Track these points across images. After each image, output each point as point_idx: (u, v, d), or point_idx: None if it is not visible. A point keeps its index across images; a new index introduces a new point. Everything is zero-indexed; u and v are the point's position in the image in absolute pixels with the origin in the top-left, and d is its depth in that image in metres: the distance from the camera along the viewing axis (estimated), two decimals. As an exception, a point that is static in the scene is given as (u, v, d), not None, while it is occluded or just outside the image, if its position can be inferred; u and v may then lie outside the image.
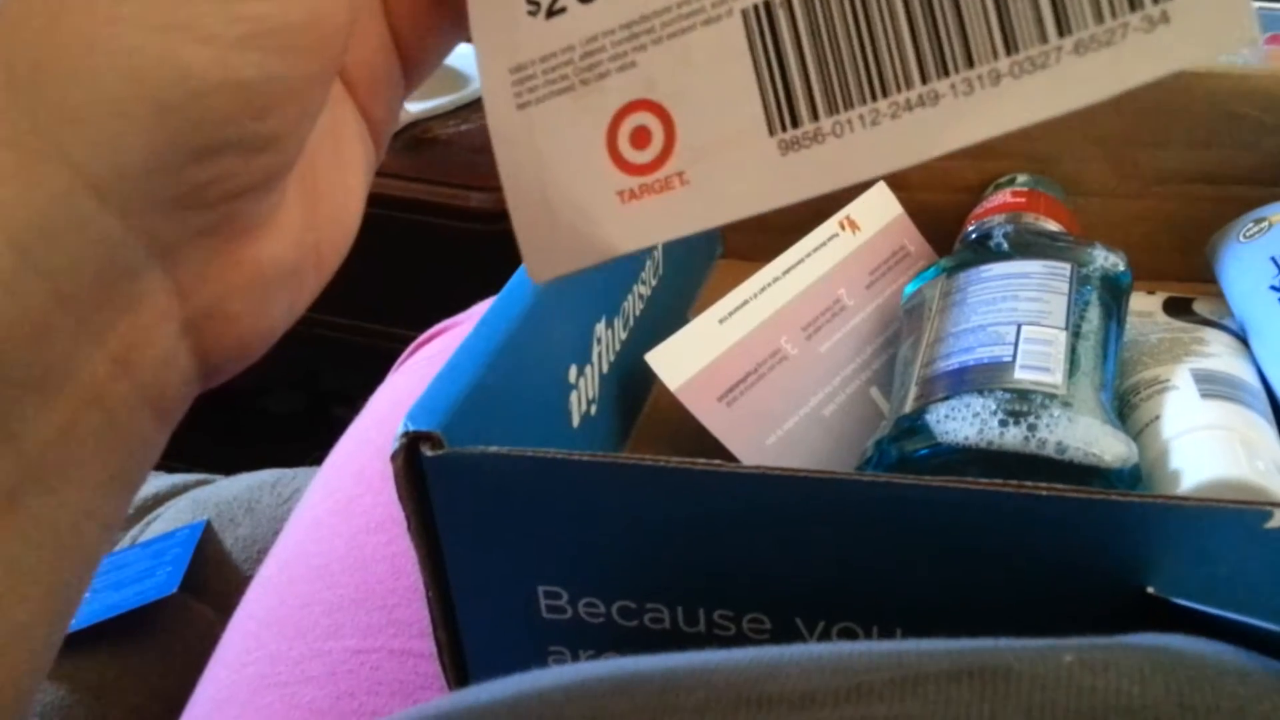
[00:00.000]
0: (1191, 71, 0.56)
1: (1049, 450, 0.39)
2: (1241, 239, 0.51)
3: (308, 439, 0.74)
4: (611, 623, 0.35)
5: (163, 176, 0.20)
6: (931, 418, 0.41)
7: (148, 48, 0.20)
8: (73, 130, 0.20)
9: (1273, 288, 0.47)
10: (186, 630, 0.58)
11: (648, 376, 0.47)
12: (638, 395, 0.51)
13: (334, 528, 0.50)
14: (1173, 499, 0.33)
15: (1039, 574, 0.31)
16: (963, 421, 0.40)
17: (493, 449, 0.32)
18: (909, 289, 0.52)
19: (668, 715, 0.22)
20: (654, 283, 0.53)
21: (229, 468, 0.76)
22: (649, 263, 0.52)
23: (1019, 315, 0.45)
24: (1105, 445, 0.39)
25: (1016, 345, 0.43)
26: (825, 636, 0.33)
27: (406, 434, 0.33)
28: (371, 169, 0.29)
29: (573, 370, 0.43)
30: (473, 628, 0.36)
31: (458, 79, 1.18)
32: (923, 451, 0.41)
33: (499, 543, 0.34)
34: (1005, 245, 0.51)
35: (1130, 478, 0.39)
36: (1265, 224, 0.50)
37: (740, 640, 0.34)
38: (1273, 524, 0.28)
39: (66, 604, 0.22)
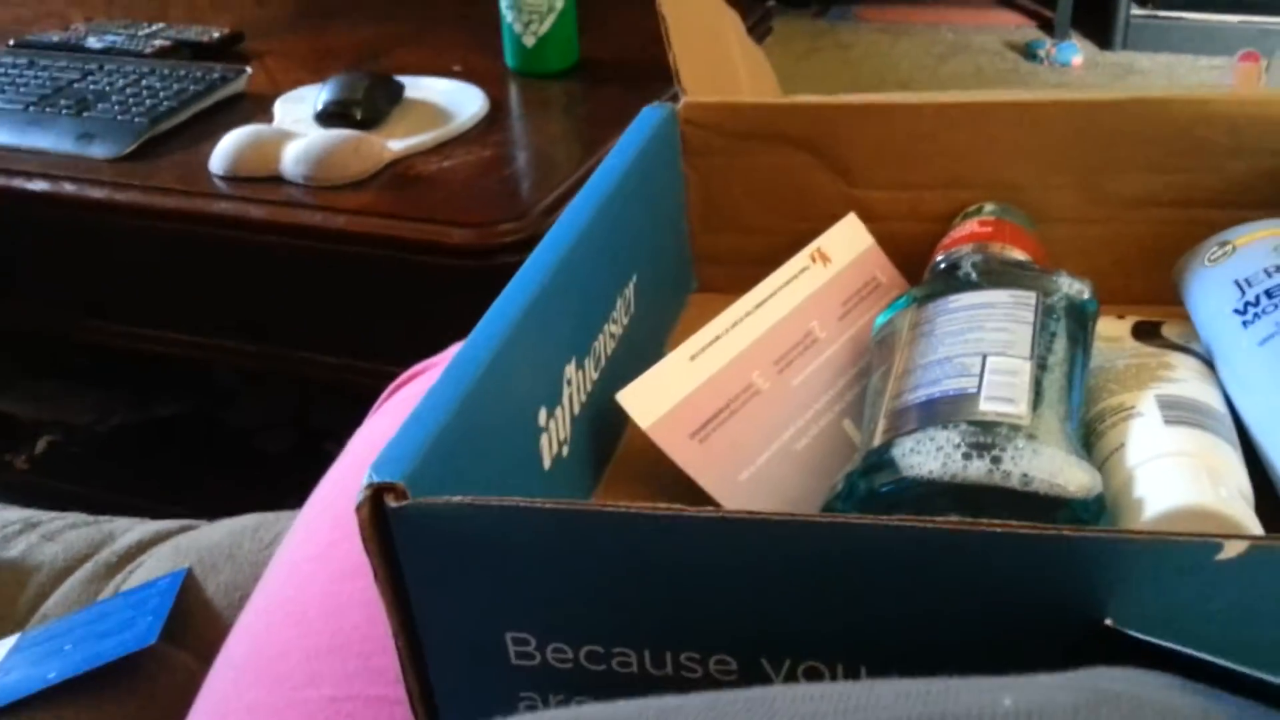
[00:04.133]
0: (1154, 97, 0.56)
1: (1013, 482, 0.39)
2: (1207, 263, 0.51)
3: (299, 476, 0.74)
4: (580, 668, 0.35)
5: None
6: (897, 451, 0.42)
7: None
8: None
9: (1236, 311, 0.47)
10: (167, 680, 0.58)
11: (621, 416, 0.48)
12: (612, 435, 0.52)
13: (311, 573, 0.50)
14: (1126, 533, 0.33)
15: (999, 609, 0.31)
16: (927, 455, 0.41)
17: (456, 499, 0.33)
18: (880, 320, 0.53)
19: None
20: (626, 321, 0.53)
21: (221, 507, 0.77)
22: (620, 301, 0.53)
23: (984, 346, 0.45)
24: (1069, 476, 0.39)
25: (982, 376, 0.44)
26: (791, 676, 0.34)
27: (371, 485, 0.33)
28: None
29: (542, 413, 0.44)
30: (442, 675, 0.36)
31: (440, 115, 1.19)
32: (889, 486, 0.41)
33: (466, 590, 0.34)
34: (973, 275, 0.52)
35: (1095, 507, 0.39)
36: (1229, 247, 0.50)
37: (707, 682, 0.34)
38: (1224, 556, 0.29)
39: None
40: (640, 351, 0.54)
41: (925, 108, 0.59)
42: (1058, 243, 0.58)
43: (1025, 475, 0.39)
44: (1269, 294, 0.46)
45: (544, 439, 0.44)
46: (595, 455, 0.50)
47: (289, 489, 0.64)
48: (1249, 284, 0.48)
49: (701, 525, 0.32)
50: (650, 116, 0.60)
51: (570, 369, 0.47)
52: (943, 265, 0.55)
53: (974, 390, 0.43)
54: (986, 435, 0.41)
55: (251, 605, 0.52)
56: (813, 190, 0.61)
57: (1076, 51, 3.08)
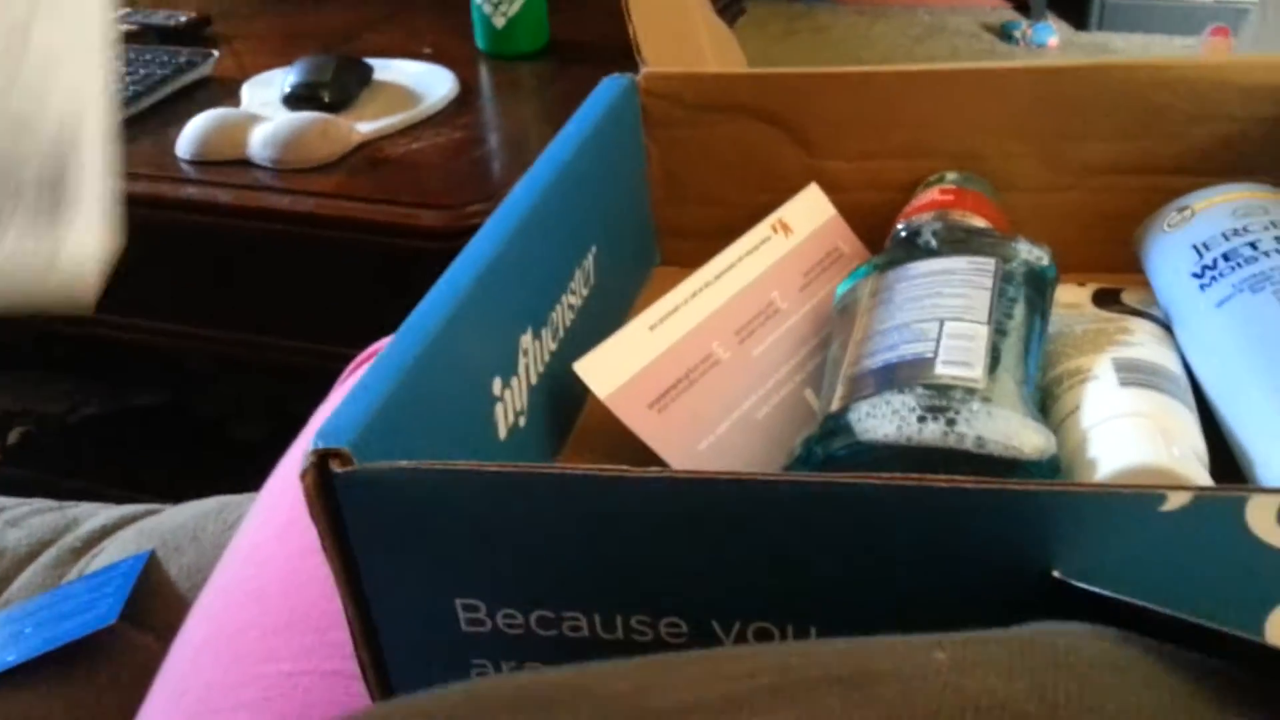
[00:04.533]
0: (1115, 63, 0.56)
1: (968, 444, 0.39)
2: (1166, 228, 0.51)
3: (273, 464, 0.73)
4: (531, 633, 0.35)
5: None
6: (853, 416, 0.41)
7: None
8: None
9: (1194, 275, 0.47)
10: (129, 661, 0.57)
11: (581, 388, 0.47)
12: (571, 407, 0.51)
13: (270, 552, 0.50)
14: (1071, 486, 0.33)
15: (946, 565, 0.31)
16: (882, 419, 0.40)
17: (401, 464, 0.32)
18: (841, 289, 0.52)
19: None
20: (585, 292, 0.53)
21: (194, 496, 0.76)
22: (578, 272, 0.52)
23: (942, 311, 0.45)
24: (1024, 438, 0.39)
25: (939, 341, 0.43)
26: (741, 638, 0.33)
27: (315, 451, 0.33)
28: None
29: (497, 383, 0.43)
30: (394, 644, 0.36)
31: (409, 97, 1.18)
32: (845, 450, 0.41)
33: (414, 558, 0.34)
34: (933, 243, 0.52)
35: (1049, 468, 0.39)
36: (1189, 212, 0.50)
37: (658, 644, 0.34)
38: (1168, 506, 0.29)
39: None
40: (600, 323, 0.54)
41: (887, 76, 0.59)
42: (1020, 211, 0.58)
43: (980, 438, 0.39)
44: (1226, 257, 0.46)
45: (499, 409, 0.43)
46: (553, 427, 0.50)
47: (262, 477, 0.64)
48: (1207, 248, 0.47)
49: (648, 486, 0.32)
50: (610, 87, 0.59)
51: (526, 339, 0.46)
52: (903, 233, 0.55)
53: (930, 355, 0.43)
54: (942, 398, 0.40)
55: (211, 585, 0.52)
56: (775, 161, 0.61)
57: (1052, 32, 3.08)
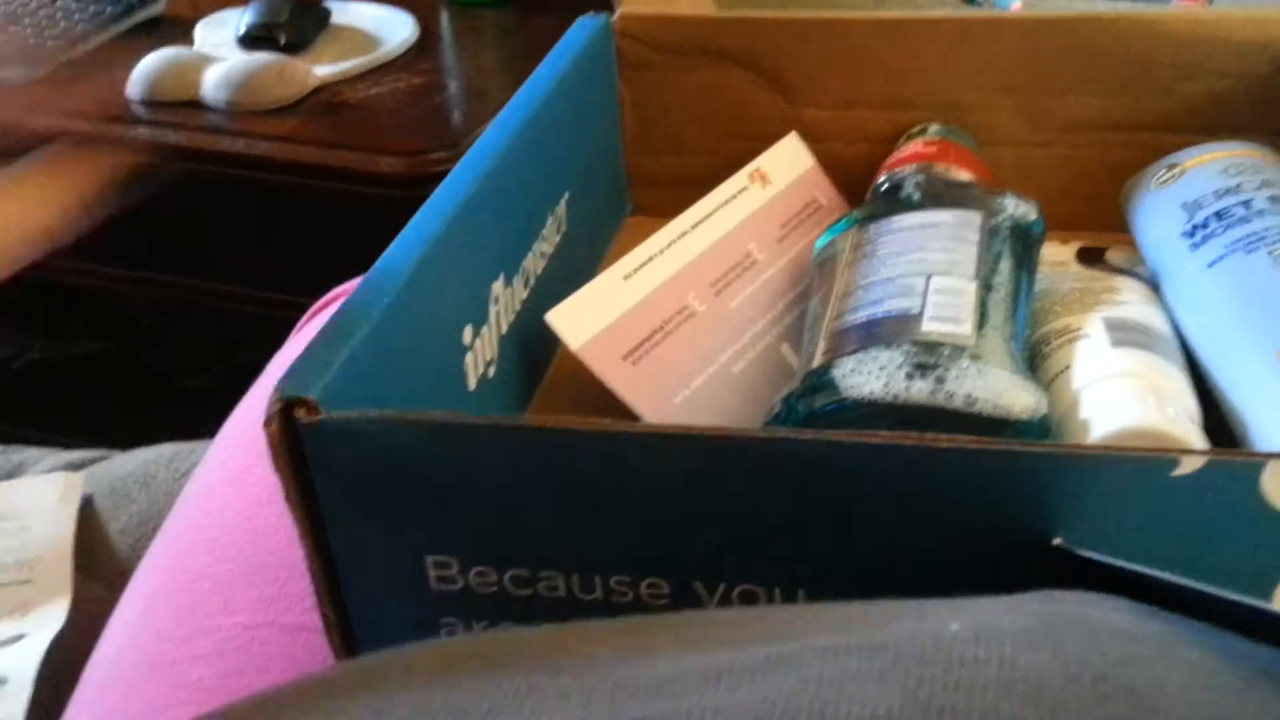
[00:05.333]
0: (1102, 15, 0.55)
1: (957, 403, 0.38)
2: (1154, 186, 0.50)
3: (223, 415, 0.71)
4: (504, 592, 0.33)
5: None
6: (838, 372, 0.40)
7: None
8: None
9: (1184, 234, 0.46)
10: (77, 611, 0.55)
11: (552, 338, 0.46)
12: (542, 356, 0.50)
13: (226, 499, 0.48)
14: (1078, 449, 0.32)
15: (943, 528, 0.30)
16: (869, 375, 0.39)
17: (372, 413, 0.31)
18: (820, 242, 0.51)
19: (532, 696, 0.21)
20: (558, 240, 0.51)
21: (141, 445, 0.74)
22: (550, 219, 0.51)
23: (929, 266, 0.44)
24: (1014, 397, 0.38)
25: (925, 297, 0.42)
26: (725, 600, 0.32)
27: (280, 399, 0.31)
28: None
29: (468, 331, 0.42)
30: (359, 601, 0.34)
31: (368, 41, 1.15)
32: (829, 407, 0.39)
33: (382, 512, 0.32)
34: (916, 196, 0.50)
35: (1040, 429, 0.38)
36: (1178, 170, 0.49)
37: (638, 605, 0.32)
38: (1179, 471, 0.27)
39: None
40: (572, 272, 0.52)
41: (868, 23, 0.57)
42: (1002, 166, 0.57)
43: (969, 396, 0.38)
44: (1219, 216, 0.45)
45: (469, 358, 0.42)
46: (524, 377, 0.48)
47: (213, 427, 0.62)
48: (1199, 206, 0.46)
49: (630, 440, 0.30)
50: (584, 28, 0.57)
51: (498, 286, 0.44)
52: (885, 186, 0.54)
53: (917, 310, 0.42)
54: (930, 356, 0.39)
55: (163, 533, 0.50)
56: (753, 109, 0.59)
57: (1015, -5, 3.07)
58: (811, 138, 0.58)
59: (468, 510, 0.32)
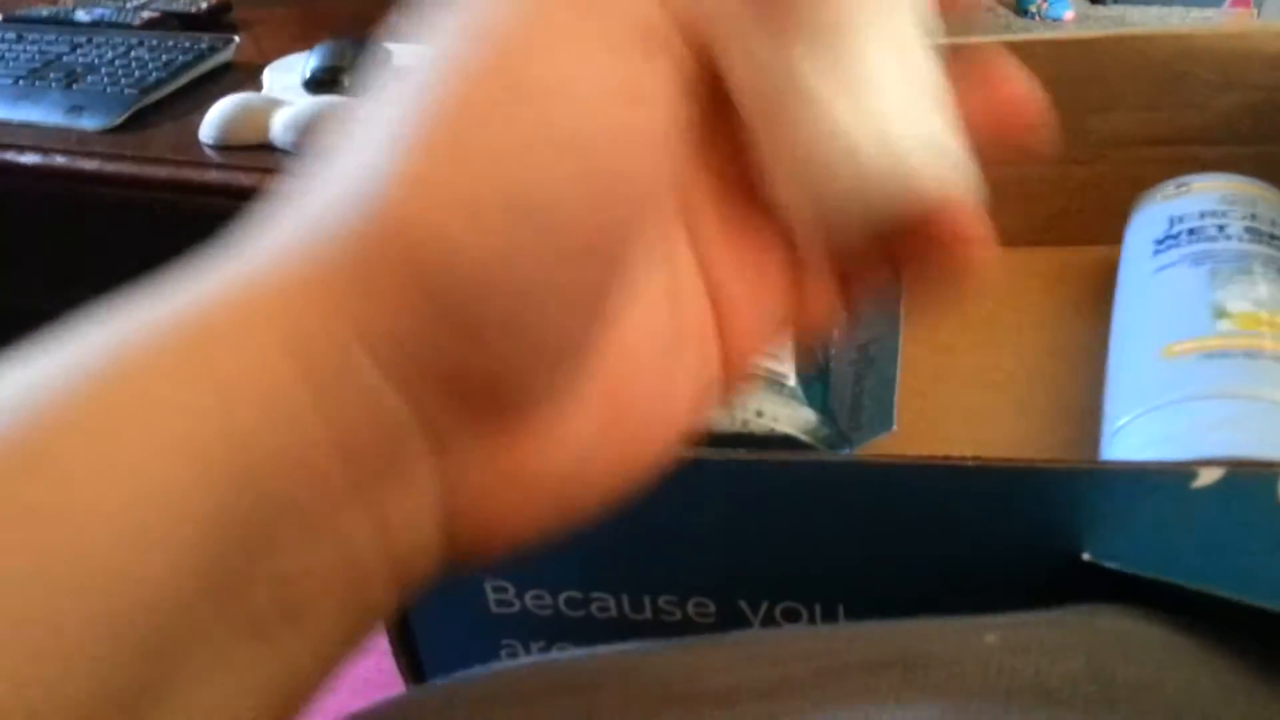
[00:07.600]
0: (1139, 34, 0.56)
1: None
2: (1159, 199, 0.51)
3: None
4: (559, 614, 0.35)
5: (432, 352, 0.18)
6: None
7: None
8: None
9: (1155, 240, 0.48)
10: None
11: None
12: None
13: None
14: (1100, 465, 0.33)
15: (974, 546, 0.31)
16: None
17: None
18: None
19: (595, 716, 0.22)
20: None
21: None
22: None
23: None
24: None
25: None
26: (769, 618, 0.33)
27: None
28: (713, 386, 0.23)
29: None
30: (424, 625, 0.36)
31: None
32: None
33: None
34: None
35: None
36: (1184, 189, 0.50)
37: (686, 625, 0.34)
38: (1199, 484, 0.28)
39: None
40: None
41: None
42: (1046, 183, 0.58)
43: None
44: (1191, 231, 0.47)
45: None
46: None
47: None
48: (1180, 221, 0.48)
49: (681, 467, 0.32)
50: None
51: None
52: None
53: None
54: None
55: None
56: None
57: (1068, 6, 3.04)
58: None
59: (522, 537, 0.34)
